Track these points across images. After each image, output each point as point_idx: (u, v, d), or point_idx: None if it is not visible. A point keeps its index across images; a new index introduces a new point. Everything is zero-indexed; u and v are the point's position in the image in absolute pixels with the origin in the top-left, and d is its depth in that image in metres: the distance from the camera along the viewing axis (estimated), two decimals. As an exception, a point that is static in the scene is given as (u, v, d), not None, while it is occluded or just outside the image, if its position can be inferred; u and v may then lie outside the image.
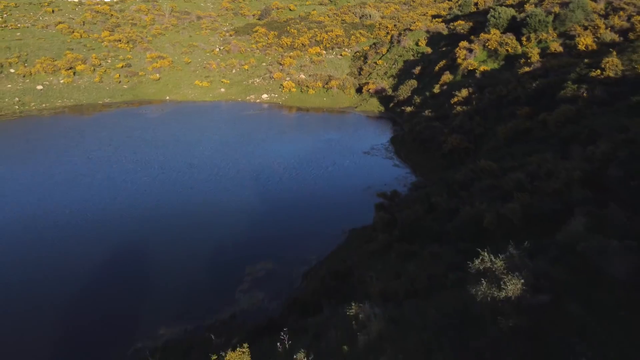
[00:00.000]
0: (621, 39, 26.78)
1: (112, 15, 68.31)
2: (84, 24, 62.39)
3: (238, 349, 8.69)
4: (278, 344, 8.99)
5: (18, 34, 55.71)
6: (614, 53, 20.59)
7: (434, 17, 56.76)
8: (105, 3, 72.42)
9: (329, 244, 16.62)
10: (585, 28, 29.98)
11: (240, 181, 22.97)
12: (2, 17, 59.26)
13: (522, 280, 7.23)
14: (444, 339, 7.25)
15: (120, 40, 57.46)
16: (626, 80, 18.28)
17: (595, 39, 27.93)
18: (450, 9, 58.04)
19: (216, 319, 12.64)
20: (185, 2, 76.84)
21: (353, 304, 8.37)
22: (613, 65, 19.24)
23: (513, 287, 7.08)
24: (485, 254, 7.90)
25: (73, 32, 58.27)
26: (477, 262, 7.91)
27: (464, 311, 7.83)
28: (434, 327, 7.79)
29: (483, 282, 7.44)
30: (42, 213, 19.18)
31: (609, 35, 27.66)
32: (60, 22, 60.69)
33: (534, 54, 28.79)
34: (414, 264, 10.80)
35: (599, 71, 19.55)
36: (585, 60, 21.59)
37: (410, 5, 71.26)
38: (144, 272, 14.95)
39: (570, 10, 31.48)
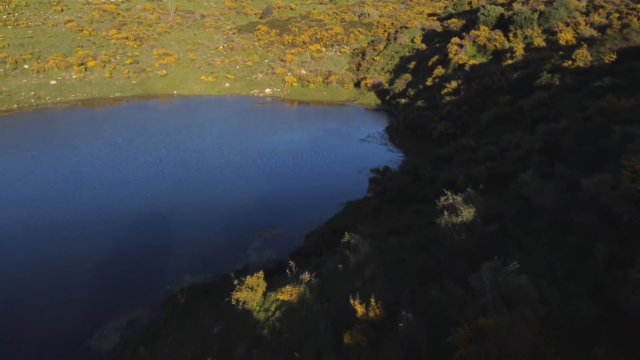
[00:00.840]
0: (599, 34, 28.96)
1: (118, 14, 70.47)
2: (92, 23, 64.56)
3: (255, 274, 10.98)
4: (287, 270, 11.26)
5: (30, 31, 57.90)
6: (585, 46, 22.81)
7: (429, 15, 58.97)
8: (112, 2, 74.56)
9: (328, 213, 18.83)
10: (567, 25, 32.18)
11: (248, 163, 25.20)
12: (14, 16, 61.48)
13: (474, 209, 9.51)
14: (415, 255, 9.52)
15: (127, 38, 59.66)
16: (593, 69, 20.49)
17: (576, 35, 30.10)
18: (445, 7, 60.24)
19: (232, 269, 14.86)
20: (188, 2, 79.00)
21: (346, 233, 10.58)
22: (583, 56, 21.46)
23: (467, 213, 9.37)
24: (449, 192, 10.15)
25: (82, 30, 60.47)
26: (442, 199, 10.16)
27: (432, 239, 10.10)
28: (408, 249, 10.05)
29: (445, 213, 9.70)
30: (75, 186, 21.44)
31: (588, 31, 29.83)
32: (69, 21, 62.90)
33: (519, 48, 31.00)
34: (398, 216, 13.02)
35: (570, 62, 21.77)
36: (560, 53, 23.82)
37: (408, 4, 73.44)
38: (171, 236, 17.23)
39: (554, 8, 33.68)
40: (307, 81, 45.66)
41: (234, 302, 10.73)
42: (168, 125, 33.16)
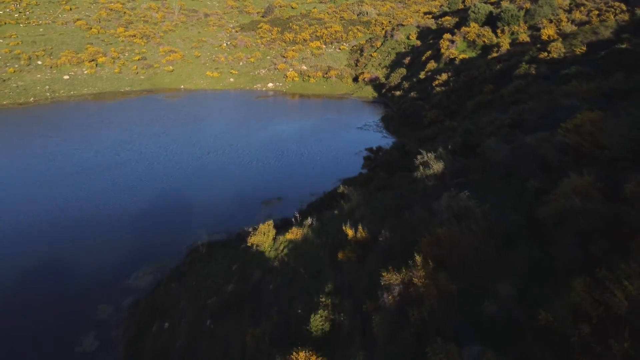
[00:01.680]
0: (579, 29, 31.30)
1: (124, 12, 72.81)
2: (100, 21, 66.92)
3: (266, 222, 13.36)
4: (292, 218, 13.62)
5: (41, 29, 60.27)
6: (560, 39, 25.14)
7: (425, 13, 61.30)
8: (118, 1, 76.83)
9: (326, 187, 21.15)
10: (551, 21, 34.51)
11: (255, 147, 27.57)
12: (25, 15, 63.86)
13: (443, 164, 11.87)
14: (395, 200, 11.87)
15: (134, 36, 62.02)
16: (565, 59, 22.81)
17: (557, 31, 32.43)
18: (441, 6, 62.58)
19: (243, 228, 17.23)
20: (192, 1, 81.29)
21: (341, 185, 12.91)
22: (557, 48, 23.79)
23: (437, 167, 11.74)
24: (424, 151, 12.49)
25: (91, 28, 62.81)
26: (419, 157, 12.51)
27: (410, 189, 12.46)
28: (390, 197, 12.41)
29: (420, 167, 12.07)
30: (110, 162, 23.85)
31: (569, 27, 32.16)
32: (78, 19, 65.27)
33: (505, 43, 33.33)
34: (385, 178, 15.38)
35: (546, 53, 24.10)
36: (538, 46, 26.15)
37: (405, 3, 75.76)
38: (191, 205, 19.68)
39: (539, 6, 36.02)
40: (308, 76, 48.00)
41: (249, 245, 13.08)
42: (179, 115, 35.52)
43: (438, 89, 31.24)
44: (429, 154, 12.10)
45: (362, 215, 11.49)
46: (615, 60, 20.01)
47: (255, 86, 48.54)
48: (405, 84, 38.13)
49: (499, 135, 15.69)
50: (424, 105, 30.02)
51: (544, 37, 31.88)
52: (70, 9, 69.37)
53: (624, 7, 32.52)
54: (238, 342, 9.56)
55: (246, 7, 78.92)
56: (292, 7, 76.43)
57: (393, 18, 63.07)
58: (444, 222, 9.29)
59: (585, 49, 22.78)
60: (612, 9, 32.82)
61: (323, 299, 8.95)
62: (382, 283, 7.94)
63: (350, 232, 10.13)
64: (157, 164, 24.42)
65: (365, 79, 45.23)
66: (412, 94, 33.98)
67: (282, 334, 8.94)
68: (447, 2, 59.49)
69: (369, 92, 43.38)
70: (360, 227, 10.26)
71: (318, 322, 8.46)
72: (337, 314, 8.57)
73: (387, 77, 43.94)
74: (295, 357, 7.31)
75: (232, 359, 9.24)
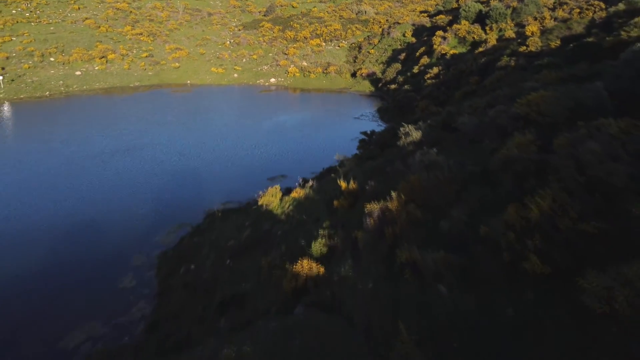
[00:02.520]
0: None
1: (131, 12, 75.22)
2: (107, 20, 69.35)
3: (274, 187, 15.79)
4: (296, 183, 16.05)
5: (52, 28, 62.71)
6: (538, 34, 27.54)
7: (421, 12, 63.72)
8: (124, 1, 79.30)
9: (325, 166, 23.60)
10: (535, 19, 36.91)
11: (261, 134, 30.02)
12: (35, 14, 66.32)
13: (421, 133, 14.30)
14: (381, 162, 14.30)
15: (141, 34, 64.44)
16: (542, 52, 25.23)
17: (541, 27, 34.82)
18: (436, 5, 64.96)
19: (252, 199, 19.66)
20: (196, 0, 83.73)
21: (337, 154, 15.33)
22: (534, 42, 26.20)
23: (416, 135, 14.18)
24: (405, 124, 14.91)
25: (99, 27, 65.25)
26: (402, 129, 14.93)
27: (394, 153, 14.89)
28: (378, 162, 14.82)
29: (402, 137, 14.52)
30: (119, 148, 26.32)
31: (551, 24, 34.57)
32: (86, 18, 67.71)
33: (493, 39, 35.74)
34: (376, 151, 17.81)
35: (525, 47, 26.52)
36: (518, 40, 28.55)
37: (402, 2, 78.18)
38: (206, 179, 22.22)
39: (525, 4, 38.43)
40: (308, 72, 50.41)
41: (260, 204, 15.51)
42: (188, 107, 37.99)
43: (429, 81, 33.66)
44: (410, 126, 14.52)
45: (355, 175, 13.89)
46: (581, 52, 22.48)
47: (258, 81, 50.99)
48: (400, 78, 40.55)
49: (473, 113, 18.14)
50: (416, 96, 32.43)
51: (528, 33, 34.29)
52: (79, 8, 71.82)
53: (602, 5, 34.90)
54: (254, 270, 11.99)
55: (248, 7, 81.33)
56: (293, 7, 78.81)
57: (390, 17, 65.48)
58: (416, 171, 11.77)
59: (559, 42, 25.17)
60: (592, 7, 35.21)
61: (321, 232, 11.39)
62: (366, 211, 10.41)
63: (343, 185, 12.55)
64: (174, 147, 26.96)
65: (363, 74, 47.65)
66: (405, 86, 36.40)
67: (289, 258, 11.36)
68: (442, 1, 61.91)
69: (366, 87, 45.79)
70: (352, 181, 12.69)
71: (318, 246, 10.91)
72: (332, 241, 11.03)
73: (384, 72, 46.37)
74: (300, 264, 9.74)
75: (249, 282, 11.66)
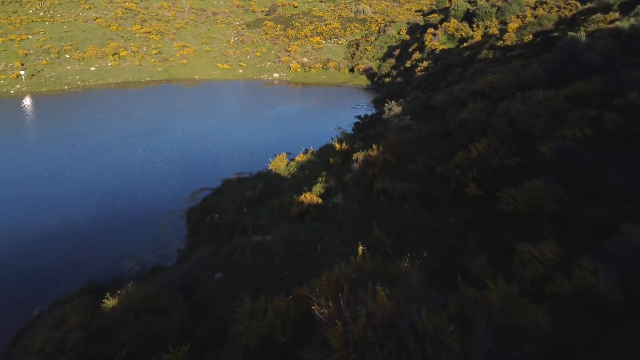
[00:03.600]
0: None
1: (139, 11, 78.46)
2: (117, 19, 72.62)
3: (282, 153, 19.06)
4: (299, 151, 19.32)
5: (65, 27, 65.98)
6: (513, 30, 30.81)
7: (416, 11, 66.99)
8: (132, 1, 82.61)
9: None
10: (518, 17, 40.18)
11: (265, 120, 33.33)
12: (49, 13, 69.63)
13: (401, 107, 17.62)
14: (368, 132, 17.60)
15: (150, 33, 67.70)
16: (516, 46, 28.49)
17: (522, 24, 38.09)
18: (431, 4, 68.22)
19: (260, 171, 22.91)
20: (200, 0, 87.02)
21: (334, 125, 18.61)
22: (510, 37, 29.47)
23: (397, 109, 17.52)
24: (389, 101, 18.21)
25: (110, 25, 68.52)
26: (386, 105, 18.23)
27: (381, 125, 18.19)
28: (366, 132, 18.11)
29: (387, 111, 17.84)
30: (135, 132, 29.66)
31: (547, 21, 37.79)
32: (97, 17, 70.98)
33: (478, 35, 39.01)
34: (367, 126, 21.10)
35: (502, 41, 29.78)
36: (497, 36, 31.83)
37: (399, 2, 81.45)
38: (220, 155, 25.48)
39: (509, 3, 41.70)
40: (309, 67, 53.70)
41: (269, 169, 18.81)
42: (200, 99, 41.41)
43: (419, 73, 36.94)
44: (393, 102, 17.81)
45: (347, 141, 17.18)
46: (547, 44, 25.79)
47: (262, 76, 54.30)
48: (394, 72, 43.83)
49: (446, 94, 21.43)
50: (407, 87, 35.70)
51: (510, 30, 37.60)
52: (90, 8, 75.08)
53: (579, 5, 38.17)
54: (267, 211, 15.27)
55: (251, 6, 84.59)
56: (294, 6, 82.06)
57: (387, 16, 68.75)
58: (393, 132, 15.11)
59: (531, 37, 28.44)
60: (569, 6, 38.48)
61: (320, 179, 14.69)
62: (353, 158, 13.71)
63: (337, 146, 15.85)
64: (190, 131, 30.32)
65: (360, 69, 50.93)
66: (398, 79, 39.68)
67: (295, 200, 14.64)
68: (436, 0, 65.17)
69: (363, 80, 49.09)
70: (344, 144, 15.98)
71: (317, 188, 14.21)
72: (328, 184, 14.33)
73: (379, 67, 49.66)
74: (304, 196, 13.02)
75: (264, 219, 14.94)
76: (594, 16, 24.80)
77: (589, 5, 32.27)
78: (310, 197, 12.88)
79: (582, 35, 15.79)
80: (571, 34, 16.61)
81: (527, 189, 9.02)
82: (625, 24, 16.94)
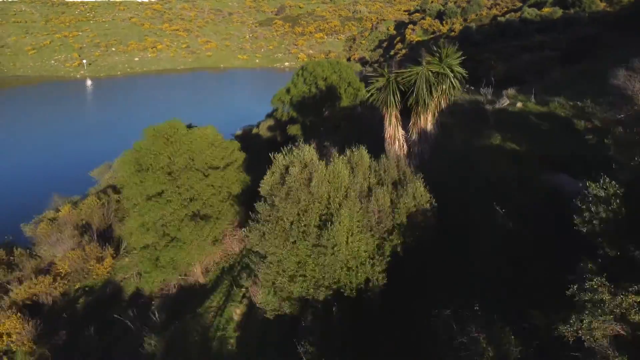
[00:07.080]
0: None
1: (164, 12, 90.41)
2: (148, 19, 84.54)
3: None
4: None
5: (107, 25, 77.99)
6: (459, 21, 42.45)
7: (404, 11, 78.65)
8: (158, 3, 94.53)
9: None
10: (476, 15, 51.85)
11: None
12: (92, 14, 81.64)
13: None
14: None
15: (178, 30, 79.59)
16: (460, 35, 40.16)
17: (479, 21, 49.69)
18: (417, 5, 79.84)
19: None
20: (216, 2, 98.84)
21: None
22: (458, 29, 41.09)
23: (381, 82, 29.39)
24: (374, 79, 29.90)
25: (143, 24, 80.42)
26: (373, 83, 29.97)
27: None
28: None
29: (371, 85, 29.71)
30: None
31: (487, 18, 49.38)
32: (132, 17, 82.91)
33: (445, 30, 50.66)
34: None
35: (453, 32, 41.43)
36: (450, 27, 43.49)
37: (392, 2, 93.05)
38: (249, 114, 37.27)
39: (470, 5, 53.34)
40: (314, 57, 65.42)
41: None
42: (229, 81, 53.22)
43: (398, 58, 48.59)
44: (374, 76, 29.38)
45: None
46: (465, 31, 37.53)
47: (275, 65, 66.12)
48: (381, 59, 55.46)
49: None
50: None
51: (470, 25, 49.22)
52: (124, 9, 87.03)
53: (519, 4, 49.79)
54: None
55: (262, 7, 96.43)
56: (300, 7, 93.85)
57: (380, 15, 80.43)
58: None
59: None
60: (515, 6, 50.13)
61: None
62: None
63: (333, 89, 27.55)
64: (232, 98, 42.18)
65: (355, 59, 62.60)
66: (383, 64, 51.40)
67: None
68: (421, 1, 76.74)
69: (358, 67, 60.71)
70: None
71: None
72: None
73: (370, 56, 61.29)
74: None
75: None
76: (511, 14, 36.47)
77: (528, 3, 43.93)
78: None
79: (472, 25, 27.51)
80: (467, 24, 28.31)
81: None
82: (513, 17, 28.71)
